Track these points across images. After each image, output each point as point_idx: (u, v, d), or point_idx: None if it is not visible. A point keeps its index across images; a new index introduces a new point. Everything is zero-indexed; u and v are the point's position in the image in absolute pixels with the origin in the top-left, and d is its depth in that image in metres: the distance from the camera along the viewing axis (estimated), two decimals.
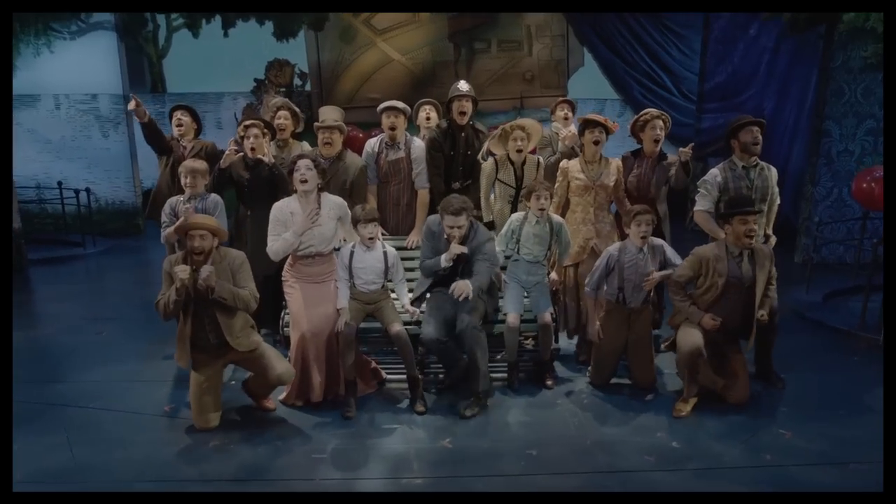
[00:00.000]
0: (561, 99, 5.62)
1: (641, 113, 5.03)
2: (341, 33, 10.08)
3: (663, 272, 4.29)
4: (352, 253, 4.25)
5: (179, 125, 5.43)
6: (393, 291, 4.46)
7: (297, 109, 5.43)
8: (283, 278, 4.37)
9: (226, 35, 9.71)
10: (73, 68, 8.81)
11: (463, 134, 4.98)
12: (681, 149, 4.75)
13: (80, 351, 5.18)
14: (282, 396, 4.28)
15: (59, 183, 8.76)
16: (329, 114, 5.00)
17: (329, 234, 4.30)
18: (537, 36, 10.31)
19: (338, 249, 4.40)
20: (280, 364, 4.00)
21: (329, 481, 3.41)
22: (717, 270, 4.10)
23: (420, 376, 4.30)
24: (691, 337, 4.09)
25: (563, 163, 4.80)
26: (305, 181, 4.19)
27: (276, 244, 4.22)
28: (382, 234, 4.55)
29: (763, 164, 4.53)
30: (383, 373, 4.62)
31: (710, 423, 4.00)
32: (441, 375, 4.59)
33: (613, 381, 4.55)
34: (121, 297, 6.63)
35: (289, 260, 4.35)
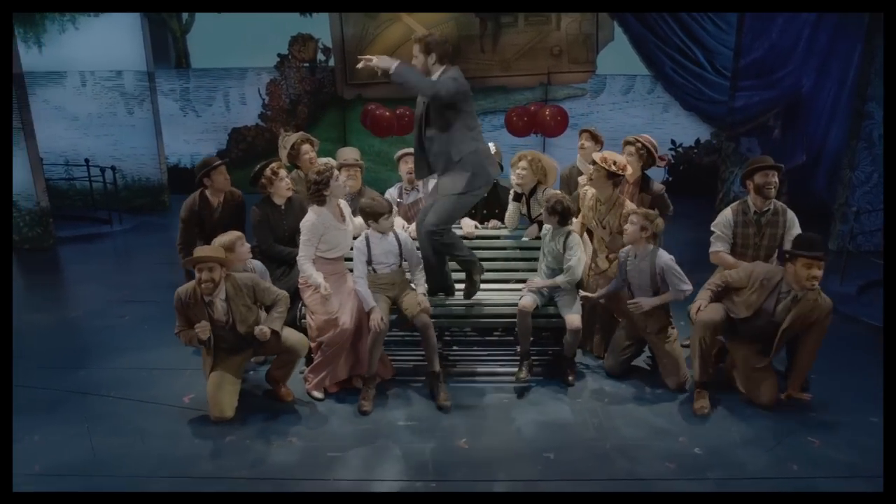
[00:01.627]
0: (583, 128, 5.25)
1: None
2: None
3: (652, 300, 4.11)
4: (368, 243, 4.27)
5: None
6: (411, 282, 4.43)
7: (314, 138, 5.24)
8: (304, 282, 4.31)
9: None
10: (98, 45, 8.76)
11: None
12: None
13: (103, 336, 5.21)
14: (308, 385, 4.29)
15: (87, 160, 8.78)
16: (350, 153, 5.16)
17: (351, 236, 4.39)
18: None
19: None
20: (293, 335, 4.09)
21: (343, 482, 3.36)
22: (756, 293, 3.93)
23: (439, 370, 4.24)
24: (710, 312, 3.98)
25: (584, 187, 4.63)
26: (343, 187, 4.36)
27: (307, 266, 4.20)
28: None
29: (779, 206, 4.23)
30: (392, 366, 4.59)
31: (735, 427, 3.85)
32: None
33: (636, 380, 4.41)
34: (146, 279, 6.65)
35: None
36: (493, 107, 10.10)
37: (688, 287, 4.10)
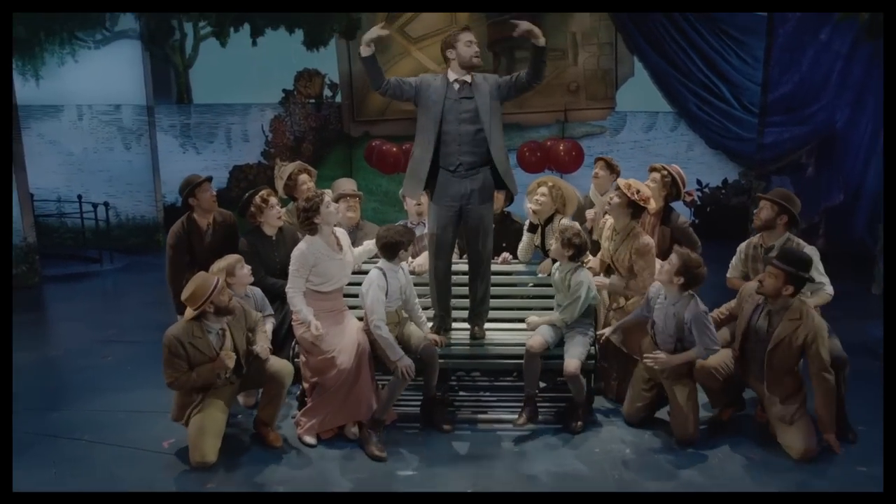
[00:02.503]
0: (599, 156, 5.26)
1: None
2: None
3: (673, 358, 3.98)
4: (387, 278, 4.18)
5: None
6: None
7: (312, 169, 5.28)
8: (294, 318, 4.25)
9: (254, 44, 9.83)
10: (97, 78, 9.00)
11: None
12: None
13: (83, 376, 5.15)
14: (300, 430, 4.18)
15: (79, 196, 8.91)
16: (347, 184, 5.20)
17: (350, 268, 4.33)
18: (583, 44, 10.08)
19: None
20: (276, 361, 4.04)
21: None
22: (744, 311, 3.95)
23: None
24: (714, 357, 3.96)
25: (605, 218, 4.57)
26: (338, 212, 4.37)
27: (297, 300, 4.12)
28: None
29: (796, 243, 4.11)
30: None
31: (770, 480, 3.64)
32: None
33: (661, 428, 4.23)
34: (134, 318, 6.61)
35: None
36: (508, 145, 10.12)
37: (717, 347, 3.95)
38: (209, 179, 4.71)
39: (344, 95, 10.28)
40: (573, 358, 4.14)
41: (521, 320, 4.64)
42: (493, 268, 4.66)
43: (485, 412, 4.49)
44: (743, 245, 4.40)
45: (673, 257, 3.95)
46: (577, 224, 4.49)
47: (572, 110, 10.22)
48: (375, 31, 4.03)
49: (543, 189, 4.71)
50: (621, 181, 4.39)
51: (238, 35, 9.75)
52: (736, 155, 10.12)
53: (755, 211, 4.27)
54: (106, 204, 8.76)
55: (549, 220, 4.76)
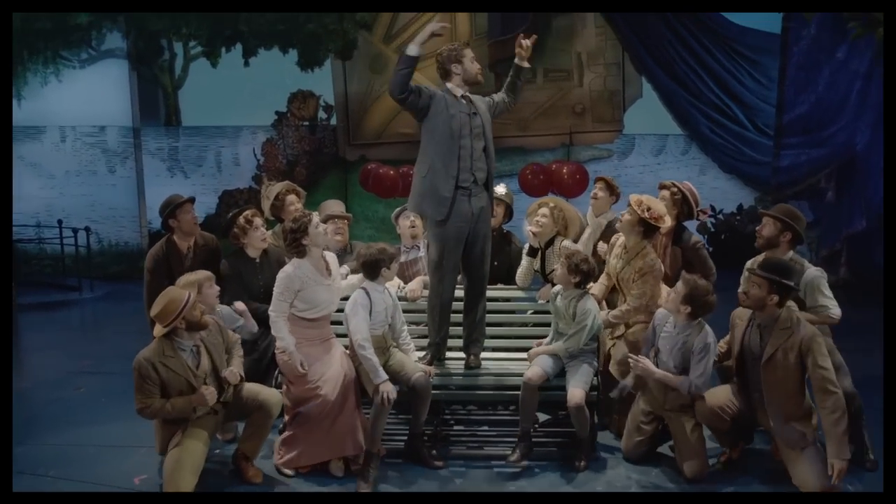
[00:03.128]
0: (599, 175, 5.28)
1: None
2: (371, 62, 10.19)
3: (656, 371, 3.92)
4: (370, 298, 4.15)
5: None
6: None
7: (301, 189, 5.29)
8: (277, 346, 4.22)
9: (246, 64, 9.98)
10: (81, 99, 9.13)
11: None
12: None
13: (52, 409, 5.10)
14: (278, 459, 4.12)
15: (59, 221, 8.94)
16: (336, 206, 5.20)
17: (339, 295, 4.29)
18: (589, 64, 10.19)
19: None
20: (264, 390, 3.99)
21: None
22: (735, 333, 3.91)
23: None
24: (717, 396, 3.92)
25: (617, 236, 4.53)
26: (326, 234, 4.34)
27: (280, 325, 4.08)
28: None
29: (799, 262, 4.08)
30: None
31: None
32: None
33: (668, 466, 4.13)
34: (111, 348, 6.56)
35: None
36: (510, 169, 10.19)
37: (703, 389, 3.89)
38: (191, 200, 4.71)
39: (339, 118, 10.38)
40: (577, 388, 4.07)
41: (519, 349, 4.59)
42: (490, 293, 4.61)
43: (480, 448, 4.39)
44: (749, 263, 4.29)
45: (679, 285, 3.90)
46: (580, 248, 4.46)
47: (578, 133, 10.28)
48: (431, 28, 4.13)
49: (544, 210, 4.70)
50: (633, 197, 4.33)
51: (230, 55, 9.91)
52: (751, 179, 10.13)
53: (757, 228, 4.20)
54: (87, 229, 8.79)
55: (550, 242, 4.73)
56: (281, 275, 4.15)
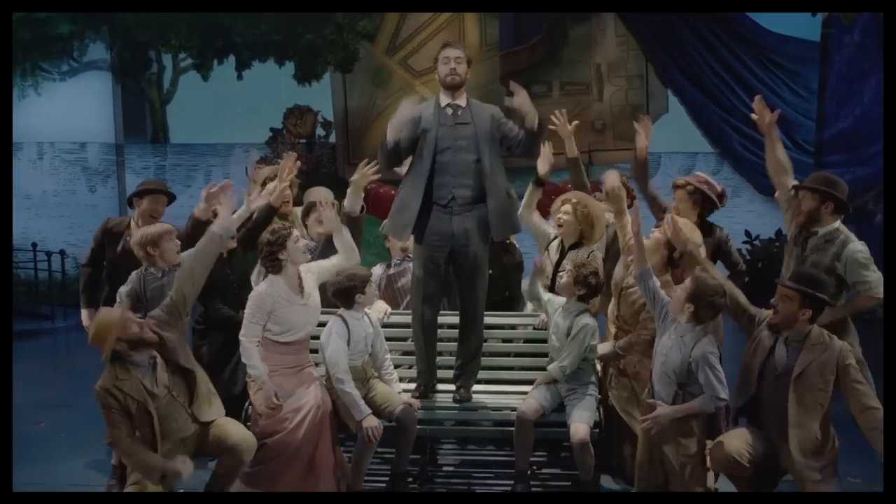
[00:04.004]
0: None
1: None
2: (373, 76, 10.26)
3: (669, 410, 3.73)
4: (348, 326, 4.12)
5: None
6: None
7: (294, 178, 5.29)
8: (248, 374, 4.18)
9: (240, 77, 10.11)
10: (61, 113, 9.28)
11: None
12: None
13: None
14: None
15: (34, 245, 9.03)
16: (322, 193, 5.11)
17: (316, 314, 4.24)
18: (609, 77, 10.16)
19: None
20: (237, 431, 3.87)
21: None
22: (762, 341, 3.77)
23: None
24: (733, 440, 3.74)
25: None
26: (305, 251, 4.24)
27: (251, 352, 4.03)
28: None
29: (843, 235, 4.04)
30: None
31: None
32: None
33: None
34: (79, 381, 6.48)
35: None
36: (524, 190, 10.17)
37: (725, 397, 3.75)
38: (177, 231, 4.54)
39: (338, 135, 10.43)
40: (581, 422, 3.98)
41: (518, 381, 4.51)
42: (490, 321, 4.57)
43: (472, 489, 4.32)
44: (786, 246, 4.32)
45: (688, 281, 3.79)
46: (592, 259, 4.37)
47: (598, 151, 10.23)
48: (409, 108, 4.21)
49: (567, 207, 4.64)
50: (673, 218, 4.13)
51: (222, 68, 10.04)
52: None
53: (796, 204, 4.14)
54: (62, 252, 8.85)
55: (574, 246, 4.64)
56: (252, 295, 4.13)
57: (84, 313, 4.88)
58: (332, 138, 10.48)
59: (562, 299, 4.29)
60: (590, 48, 10.11)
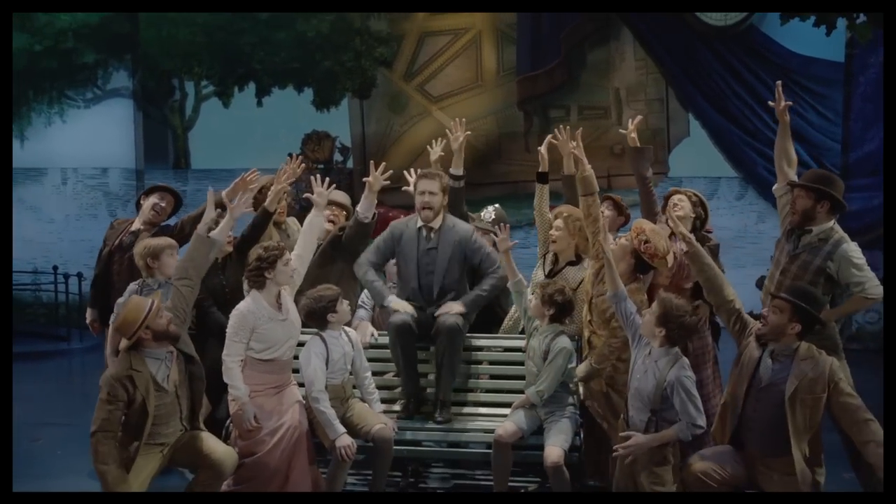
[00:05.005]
0: (607, 194, 5.25)
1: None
2: (390, 102, 10.43)
3: (644, 439, 3.67)
4: (327, 345, 4.19)
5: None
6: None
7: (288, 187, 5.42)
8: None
9: (259, 104, 10.38)
10: (85, 140, 9.63)
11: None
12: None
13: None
14: None
15: (55, 268, 9.31)
16: (339, 196, 5.36)
17: (297, 330, 4.33)
18: (628, 100, 10.14)
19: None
20: (219, 446, 3.95)
21: None
22: (749, 353, 3.72)
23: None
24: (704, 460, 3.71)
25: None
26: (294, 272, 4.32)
27: (234, 371, 4.12)
28: None
29: (837, 235, 3.99)
30: None
31: None
32: None
33: None
34: (83, 401, 6.65)
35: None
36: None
37: (702, 424, 3.68)
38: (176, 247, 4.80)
39: (356, 160, 10.58)
40: (555, 446, 3.96)
41: (499, 404, 4.48)
42: (481, 342, 4.66)
43: None
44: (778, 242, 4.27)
45: (655, 304, 3.75)
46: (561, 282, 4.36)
47: (617, 176, 10.16)
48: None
49: (559, 222, 4.61)
50: (637, 223, 4.22)
51: (242, 95, 10.32)
52: None
53: (791, 202, 4.09)
54: (79, 275, 9.09)
55: (572, 263, 4.61)
56: (234, 313, 4.21)
57: (89, 312, 5.36)
58: (350, 163, 10.63)
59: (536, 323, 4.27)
60: (608, 72, 10.13)
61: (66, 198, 9.87)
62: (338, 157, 10.66)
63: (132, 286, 4.58)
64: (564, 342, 4.12)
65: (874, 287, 3.92)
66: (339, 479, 4.07)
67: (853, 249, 3.96)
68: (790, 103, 4.31)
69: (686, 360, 3.75)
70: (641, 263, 4.13)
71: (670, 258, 4.19)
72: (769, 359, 3.66)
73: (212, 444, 3.97)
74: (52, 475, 4.93)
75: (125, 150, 9.78)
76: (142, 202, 5.15)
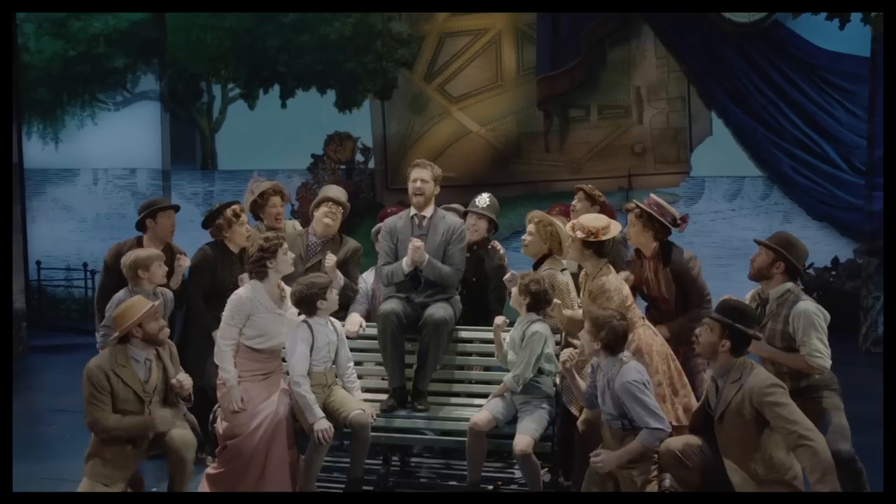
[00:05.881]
0: (578, 185, 5.26)
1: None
2: (411, 102, 10.60)
3: (614, 456, 3.73)
4: (313, 331, 4.33)
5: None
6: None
7: (287, 192, 5.64)
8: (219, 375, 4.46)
9: (283, 106, 10.66)
10: (114, 141, 10.04)
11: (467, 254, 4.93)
12: None
13: (18, 443, 5.47)
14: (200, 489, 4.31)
15: (85, 265, 9.74)
16: (336, 192, 5.42)
17: (293, 326, 4.46)
18: (649, 99, 10.12)
19: None
20: (177, 434, 4.09)
21: None
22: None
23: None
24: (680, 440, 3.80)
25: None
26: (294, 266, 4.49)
27: (225, 353, 4.32)
28: None
29: (794, 295, 4.03)
30: None
31: None
32: None
33: None
34: None
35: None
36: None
37: (660, 426, 3.69)
38: (176, 208, 5.20)
39: (377, 161, 10.78)
40: (525, 434, 4.06)
41: (476, 395, 4.60)
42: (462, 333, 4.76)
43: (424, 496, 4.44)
44: (747, 296, 4.27)
45: (585, 323, 3.86)
46: (541, 273, 4.45)
47: (638, 175, 10.16)
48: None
49: (531, 227, 4.72)
50: (569, 224, 4.37)
51: (267, 97, 10.62)
52: (847, 227, 9.61)
53: (750, 258, 4.17)
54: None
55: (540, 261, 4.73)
56: (233, 297, 4.41)
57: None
58: (371, 164, 10.84)
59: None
60: (629, 70, 10.12)
61: (97, 197, 10.28)
62: (359, 157, 10.87)
63: (122, 293, 4.70)
64: (538, 327, 4.22)
65: (818, 359, 3.88)
66: (316, 462, 4.20)
67: (813, 309, 3.95)
68: None
69: (633, 364, 3.77)
70: (596, 246, 4.19)
71: (613, 227, 4.27)
72: (713, 385, 3.72)
73: (172, 432, 4.10)
74: (50, 457, 5.28)
75: (152, 152, 10.15)
76: (147, 223, 5.13)
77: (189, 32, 10.35)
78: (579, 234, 4.16)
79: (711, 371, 3.73)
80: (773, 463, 3.56)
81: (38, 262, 10.03)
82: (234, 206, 5.07)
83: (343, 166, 10.82)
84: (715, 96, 9.86)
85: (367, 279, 5.29)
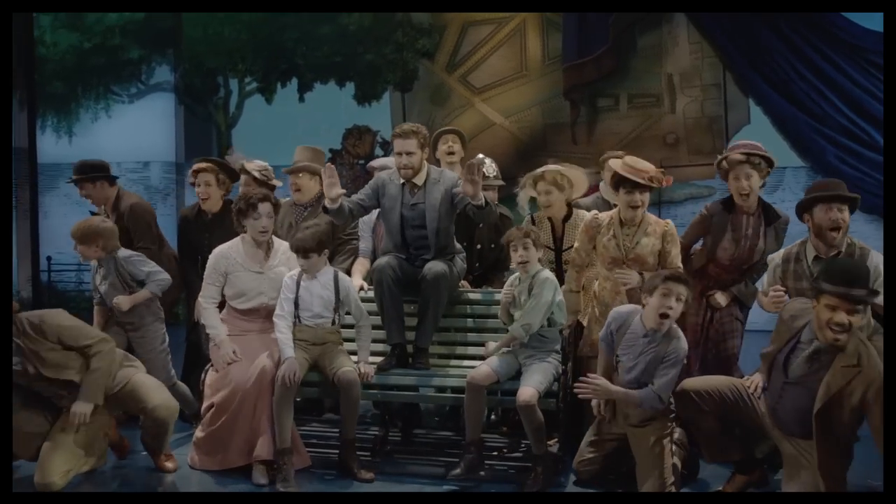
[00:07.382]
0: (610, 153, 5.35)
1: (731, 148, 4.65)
2: (432, 94, 10.64)
3: (612, 388, 3.76)
4: (298, 282, 4.35)
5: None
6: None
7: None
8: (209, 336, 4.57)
9: (301, 100, 10.79)
10: (128, 134, 10.26)
11: (481, 225, 4.95)
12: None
13: None
14: (192, 463, 4.39)
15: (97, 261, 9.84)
16: (302, 154, 5.63)
17: (276, 285, 4.51)
18: (682, 87, 10.01)
19: None
20: (156, 395, 4.17)
21: None
22: (776, 342, 3.73)
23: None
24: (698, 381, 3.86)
25: (591, 216, 4.58)
26: (265, 231, 4.49)
27: (209, 312, 4.47)
28: None
29: (856, 250, 3.97)
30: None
31: None
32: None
33: None
34: None
35: (224, 312, 4.61)
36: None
37: (664, 402, 3.74)
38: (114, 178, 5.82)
39: None
40: (528, 386, 4.02)
41: (475, 357, 4.54)
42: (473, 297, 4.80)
43: (422, 462, 4.42)
44: (777, 258, 4.23)
45: (670, 288, 3.77)
46: (530, 228, 4.51)
47: (670, 167, 9.89)
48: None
49: (542, 185, 4.76)
50: (616, 163, 4.53)
51: (285, 91, 10.77)
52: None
53: (823, 223, 4.02)
54: None
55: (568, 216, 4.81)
56: (212, 252, 4.43)
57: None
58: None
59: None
60: (660, 57, 10.04)
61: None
62: (378, 151, 10.91)
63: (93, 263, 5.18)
64: (548, 274, 4.21)
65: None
66: (283, 408, 4.14)
67: (878, 264, 3.85)
68: None
69: (683, 336, 3.85)
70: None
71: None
72: (808, 357, 3.51)
73: (149, 393, 4.18)
74: None
75: (166, 144, 10.35)
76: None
77: (207, 27, 10.58)
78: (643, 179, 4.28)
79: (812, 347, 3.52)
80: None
81: (49, 258, 10.21)
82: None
83: (362, 161, 10.86)
84: (752, 82, 9.71)
85: (367, 221, 5.28)
